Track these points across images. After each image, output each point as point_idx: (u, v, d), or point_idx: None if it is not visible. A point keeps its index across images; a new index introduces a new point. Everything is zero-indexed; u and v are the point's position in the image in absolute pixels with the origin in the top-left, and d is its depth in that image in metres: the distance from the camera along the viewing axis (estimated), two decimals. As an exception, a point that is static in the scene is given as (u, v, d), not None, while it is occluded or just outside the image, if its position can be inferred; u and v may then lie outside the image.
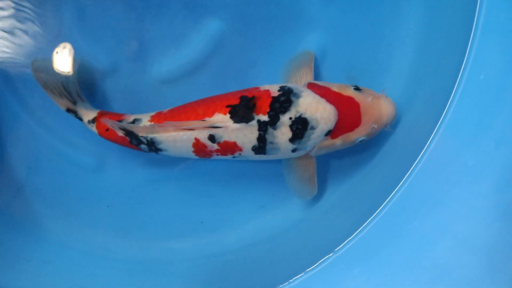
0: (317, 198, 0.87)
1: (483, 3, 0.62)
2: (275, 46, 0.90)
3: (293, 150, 0.75)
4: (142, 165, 0.93)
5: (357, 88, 0.75)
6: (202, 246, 0.89)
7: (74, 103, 0.86)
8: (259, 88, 0.76)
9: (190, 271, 0.87)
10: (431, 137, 0.65)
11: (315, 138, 0.73)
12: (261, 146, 0.74)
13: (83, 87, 0.90)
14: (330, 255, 0.71)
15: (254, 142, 0.74)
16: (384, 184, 0.72)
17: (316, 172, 0.80)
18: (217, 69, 0.91)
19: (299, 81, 0.83)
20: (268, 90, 0.74)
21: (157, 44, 0.92)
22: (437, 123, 0.65)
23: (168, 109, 0.81)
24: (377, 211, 0.67)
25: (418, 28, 0.82)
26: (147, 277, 0.87)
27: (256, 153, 0.75)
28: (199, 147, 0.77)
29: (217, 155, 0.78)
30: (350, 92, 0.74)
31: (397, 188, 0.66)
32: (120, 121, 0.82)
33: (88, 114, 0.85)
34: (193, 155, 0.79)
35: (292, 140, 0.73)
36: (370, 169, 0.81)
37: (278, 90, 0.74)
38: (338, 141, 0.75)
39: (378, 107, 0.73)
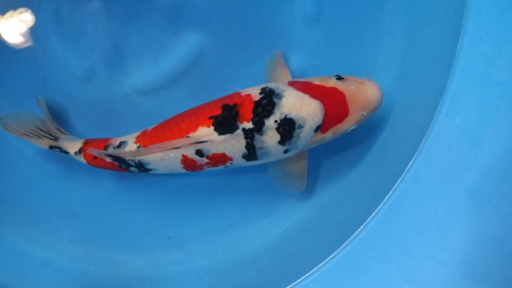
0: (287, 221, 0.86)
1: (462, 49, 0.62)
2: (255, 65, 0.88)
3: (285, 151, 0.73)
4: (110, 176, 0.90)
5: (339, 78, 0.73)
6: (168, 262, 0.87)
7: (56, 139, 0.85)
8: (240, 93, 0.74)
9: (155, 287, 0.86)
10: (402, 176, 0.64)
11: (305, 136, 0.71)
12: (251, 153, 0.72)
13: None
14: (295, 283, 0.70)
15: (243, 150, 0.72)
16: (353, 216, 0.72)
17: (306, 168, 0.78)
18: (194, 83, 0.90)
19: (278, 80, 0.82)
20: (249, 95, 0.72)
21: (135, 54, 0.90)
22: (410, 161, 0.65)
23: (152, 127, 0.80)
24: (344, 244, 0.66)
25: (399, 60, 0.82)
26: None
27: (248, 160, 0.74)
28: (188, 163, 0.76)
29: (209, 167, 0.77)
30: (332, 83, 0.72)
31: (365, 224, 0.65)
32: (106, 146, 0.81)
33: (73, 146, 0.83)
34: (184, 171, 0.78)
35: (281, 142, 0.71)
36: (341, 199, 0.81)
37: (260, 93, 0.72)
38: (328, 135, 0.73)
39: (364, 93, 0.72)
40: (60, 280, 0.85)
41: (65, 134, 0.87)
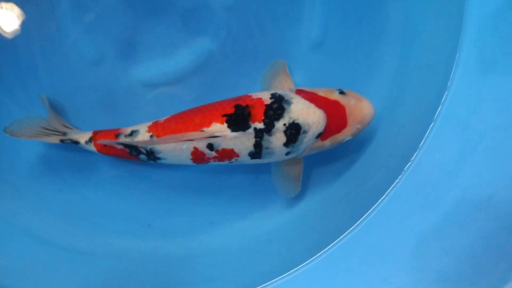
0: (267, 225, 0.91)
1: (447, 96, 0.73)
2: (257, 78, 0.94)
3: (287, 153, 0.80)
4: (101, 160, 0.93)
5: (341, 92, 0.81)
6: (145, 249, 0.91)
7: (64, 134, 0.88)
8: (251, 96, 0.81)
9: (130, 270, 0.88)
10: (383, 197, 0.73)
11: (307, 141, 0.79)
12: (257, 151, 0.79)
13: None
14: (271, 282, 0.75)
15: (250, 148, 0.78)
16: (333, 227, 0.79)
17: (302, 172, 0.86)
18: (198, 85, 0.95)
19: (280, 88, 0.89)
20: (260, 98, 0.80)
21: (146, 48, 0.95)
22: (391, 185, 0.74)
23: (163, 118, 0.84)
24: (326, 249, 0.73)
25: (387, 96, 0.91)
26: (83, 268, 0.88)
27: (252, 158, 0.80)
28: (197, 155, 0.81)
29: (215, 161, 0.82)
30: (335, 96, 0.80)
31: (344, 234, 0.73)
32: (117, 135, 0.85)
33: (83, 136, 0.87)
34: (190, 162, 0.83)
35: (286, 144, 0.78)
36: (322, 209, 0.88)
37: (270, 98, 0.79)
38: (327, 142, 0.80)
39: (361, 109, 0.80)
40: (35, 250, 0.87)
41: (71, 128, 0.90)
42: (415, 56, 0.87)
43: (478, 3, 0.76)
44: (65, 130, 0.89)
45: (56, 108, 0.91)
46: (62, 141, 0.87)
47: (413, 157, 0.73)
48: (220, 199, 0.94)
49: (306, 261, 0.75)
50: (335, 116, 0.79)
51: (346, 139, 0.81)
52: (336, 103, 0.80)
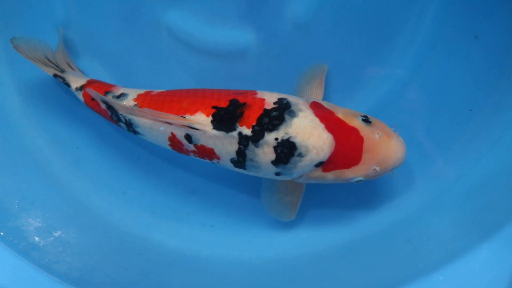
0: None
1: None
2: (275, 87, 0.83)
3: (277, 174, 0.67)
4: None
5: (366, 120, 0.66)
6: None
7: (62, 71, 0.82)
8: (256, 93, 0.69)
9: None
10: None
11: (302, 166, 0.65)
12: (240, 160, 0.67)
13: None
14: None
15: (232, 154, 0.67)
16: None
17: (301, 199, 0.73)
18: (221, 67, 0.86)
19: (308, 95, 0.76)
20: (263, 100, 0.67)
21: (195, 2, 0.85)
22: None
23: (157, 91, 0.75)
24: None
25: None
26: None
27: (235, 166, 0.69)
28: (175, 143, 0.71)
29: (195, 156, 0.72)
30: (356, 122, 0.65)
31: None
32: (107, 92, 0.77)
33: (77, 81, 0.81)
34: (170, 148, 0.73)
35: (275, 163, 0.65)
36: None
37: (275, 103, 0.66)
38: (329, 176, 0.66)
39: (385, 147, 0.64)
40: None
41: (73, 69, 0.84)
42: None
43: None
44: (66, 68, 0.83)
45: (70, 45, 0.86)
46: (55, 76, 0.81)
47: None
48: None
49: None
50: (347, 147, 0.64)
51: (356, 179, 0.66)
52: (353, 131, 0.65)
